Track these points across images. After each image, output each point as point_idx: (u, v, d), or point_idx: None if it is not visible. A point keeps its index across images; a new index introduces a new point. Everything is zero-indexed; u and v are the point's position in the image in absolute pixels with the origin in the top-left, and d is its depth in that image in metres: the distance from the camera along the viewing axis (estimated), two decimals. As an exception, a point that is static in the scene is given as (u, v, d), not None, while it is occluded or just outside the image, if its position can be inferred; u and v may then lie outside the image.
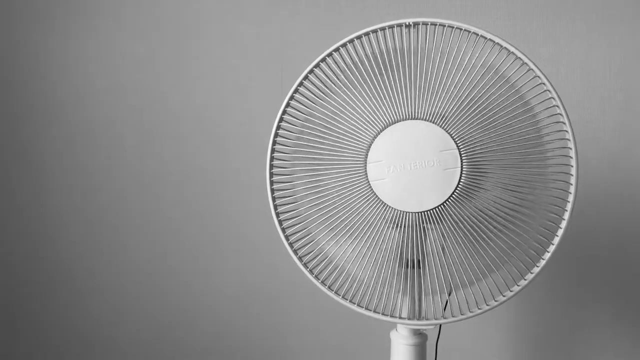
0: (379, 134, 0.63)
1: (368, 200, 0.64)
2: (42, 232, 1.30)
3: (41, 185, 1.29)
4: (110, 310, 1.28)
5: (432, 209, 0.63)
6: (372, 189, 0.64)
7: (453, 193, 0.62)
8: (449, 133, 0.62)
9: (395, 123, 0.63)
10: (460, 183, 0.62)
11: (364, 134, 0.64)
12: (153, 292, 1.26)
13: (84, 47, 1.24)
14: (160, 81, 1.22)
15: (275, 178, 0.69)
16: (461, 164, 0.62)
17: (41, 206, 1.29)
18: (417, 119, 0.63)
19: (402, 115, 0.63)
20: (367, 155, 0.64)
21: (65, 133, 1.27)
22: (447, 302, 0.66)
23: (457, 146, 0.62)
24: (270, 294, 1.21)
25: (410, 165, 0.63)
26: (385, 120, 0.64)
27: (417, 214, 0.63)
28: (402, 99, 0.63)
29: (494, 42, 0.64)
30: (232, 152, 1.20)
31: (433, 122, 0.62)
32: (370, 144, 0.64)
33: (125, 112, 1.24)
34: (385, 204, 0.63)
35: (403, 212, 0.63)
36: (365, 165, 0.64)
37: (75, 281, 1.29)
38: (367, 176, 0.64)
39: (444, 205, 0.62)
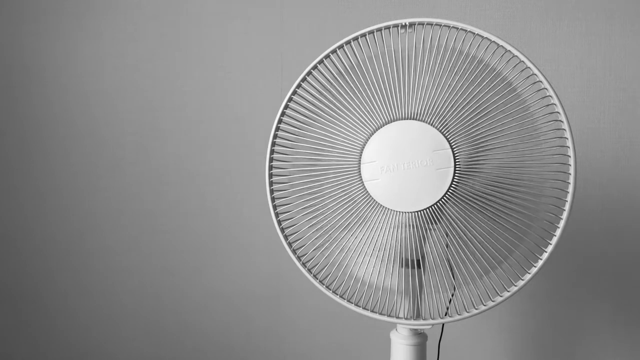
0: (373, 134, 0.63)
1: (363, 200, 0.64)
2: (41, 232, 1.30)
3: (41, 185, 1.29)
4: (108, 312, 1.28)
5: (426, 209, 0.63)
6: (366, 190, 0.64)
7: (446, 193, 0.62)
8: (442, 133, 0.62)
9: (389, 123, 0.63)
10: (454, 183, 0.62)
11: (358, 134, 0.64)
12: (151, 292, 1.26)
13: (84, 48, 1.25)
14: (160, 81, 1.22)
15: (274, 179, 0.69)
16: (454, 163, 0.62)
17: (41, 206, 1.29)
18: (410, 119, 0.63)
19: (396, 115, 0.63)
20: (361, 155, 0.64)
21: (65, 133, 1.27)
22: (450, 301, 0.66)
23: (450, 146, 0.62)
24: (270, 294, 1.21)
25: (404, 165, 0.62)
26: (379, 121, 0.63)
27: (412, 214, 0.63)
28: (396, 99, 0.63)
29: (490, 40, 0.64)
30: (233, 152, 1.20)
31: (427, 122, 0.62)
32: (365, 145, 0.64)
33: (125, 112, 1.24)
34: (379, 204, 0.63)
35: (397, 212, 0.63)
36: (360, 166, 0.64)
37: (74, 281, 1.29)
38: (361, 177, 0.64)
39: (438, 205, 0.62)
